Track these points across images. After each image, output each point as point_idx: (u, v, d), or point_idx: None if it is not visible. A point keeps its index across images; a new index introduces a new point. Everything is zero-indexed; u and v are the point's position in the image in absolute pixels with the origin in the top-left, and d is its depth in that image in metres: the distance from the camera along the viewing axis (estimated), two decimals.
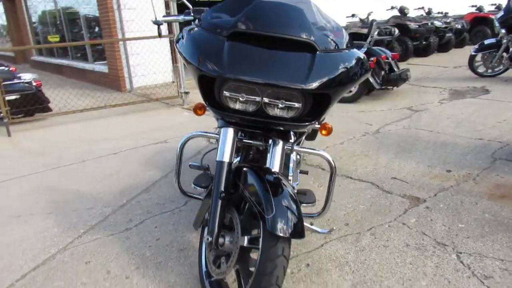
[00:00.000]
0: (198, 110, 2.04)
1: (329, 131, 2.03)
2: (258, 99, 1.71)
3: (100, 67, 9.10)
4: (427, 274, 2.09)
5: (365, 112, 5.63)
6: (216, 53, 1.67)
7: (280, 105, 1.72)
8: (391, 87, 6.35)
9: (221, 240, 1.81)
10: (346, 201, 2.94)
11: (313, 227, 2.55)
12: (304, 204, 2.36)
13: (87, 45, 9.82)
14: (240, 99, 1.72)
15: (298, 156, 2.78)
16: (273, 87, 1.64)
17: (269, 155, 1.96)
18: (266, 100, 1.71)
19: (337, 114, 5.55)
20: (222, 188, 1.84)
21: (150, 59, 8.19)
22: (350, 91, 6.08)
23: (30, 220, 2.97)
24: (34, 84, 6.09)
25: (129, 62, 8.07)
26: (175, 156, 2.21)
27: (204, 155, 2.26)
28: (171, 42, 8.25)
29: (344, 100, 6.10)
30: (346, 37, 1.89)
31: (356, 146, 4.16)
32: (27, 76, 6.12)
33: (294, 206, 1.66)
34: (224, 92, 1.72)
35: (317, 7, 1.91)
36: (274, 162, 1.93)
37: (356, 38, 6.91)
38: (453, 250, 2.28)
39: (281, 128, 1.89)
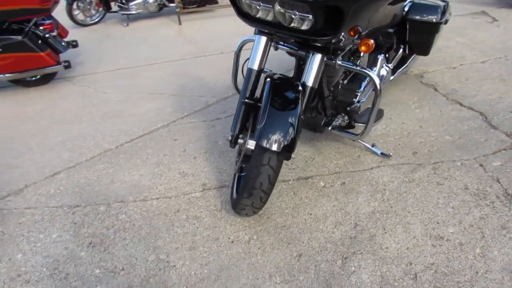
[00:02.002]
0: None
1: (369, 48, 1.83)
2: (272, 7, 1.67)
3: None
4: (462, 222, 1.86)
5: None
6: None
7: (293, 16, 1.64)
8: None
9: (240, 141, 1.98)
10: (434, 128, 2.63)
11: (374, 148, 2.44)
12: (360, 123, 2.29)
13: None
14: (257, 7, 1.71)
15: (384, 73, 2.56)
16: None
17: (306, 67, 1.92)
18: (281, 9, 1.65)
19: (508, 22, 4.49)
20: (247, 94, 1.95)
21: None
22: None
23: (158, 98, 3.63)
24: None
25: None
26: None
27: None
28: None
29: None
30: None
31: (499, 67, 3.44)
32: None
33: (294, 123, 1.68)
34: None
35: None
36: (310, 74, 1.90)
37: None
38: None
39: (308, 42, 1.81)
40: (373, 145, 2.45)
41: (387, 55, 2.64)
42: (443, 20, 2.73)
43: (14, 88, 4.20)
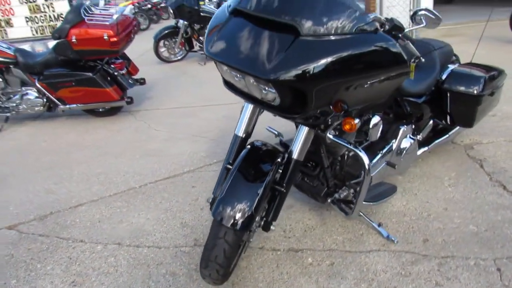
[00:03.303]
0: None
1: (352, 128, 1.70)
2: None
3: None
4: None
5: None
6: (216, 30, 1.68)
7: (263, 91, 1.60)
8: None
9: None
10: (460, 213, 2.31)
11: (380, 228, 2.22)
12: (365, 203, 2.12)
13: None
14: (235, 78, 1.70)
15: (406, 145, 2.35)
16: (241, 71, 1.55)
17: (294, 138, 1.86)
18: (254, 82, 1.62)
19: None
20: (230, 160, 1.93)
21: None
22: None
23: (197, 141, 3.76)
24: None
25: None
26: None
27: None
28: None
29: None
30: (366, 19, 1.47)
31: None
32: None
33: (253, 198, 1.61)
34: (223, 66, 1.73)
35: None
36: (295, 146, 1.83)
37: None
38: None
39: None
40: (379, 225, 2.23)
41: (413, 126, 2.41)
42: (486, 92, 2.43)
43: (86, 117, 4.70)
